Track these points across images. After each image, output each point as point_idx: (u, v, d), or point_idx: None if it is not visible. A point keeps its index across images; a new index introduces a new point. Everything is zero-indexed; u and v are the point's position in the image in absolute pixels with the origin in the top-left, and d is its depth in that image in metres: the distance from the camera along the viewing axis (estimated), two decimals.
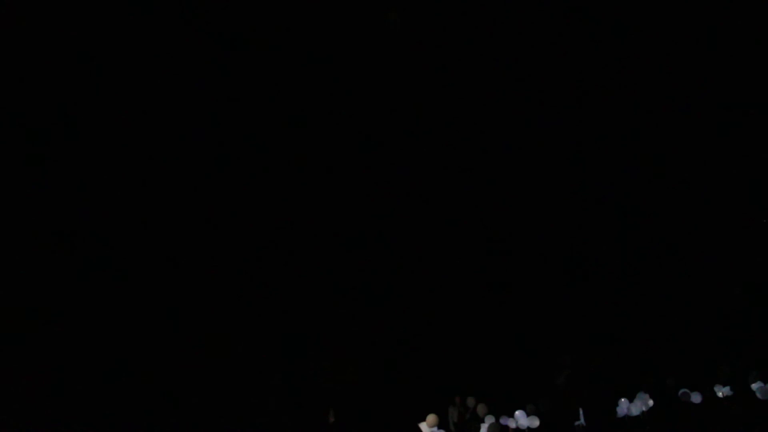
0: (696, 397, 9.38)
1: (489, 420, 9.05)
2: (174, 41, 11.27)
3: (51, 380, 10.76)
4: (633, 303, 12.08)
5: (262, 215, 12.51)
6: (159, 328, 11.60)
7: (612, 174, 12.81)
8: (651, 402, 9.35)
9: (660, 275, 12.32)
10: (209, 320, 12.00)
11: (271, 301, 12.41)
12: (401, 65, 12.29)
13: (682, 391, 9.39)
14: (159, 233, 11.99)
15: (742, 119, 12.16)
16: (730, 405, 9.18)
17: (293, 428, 11.16)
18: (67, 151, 11.40)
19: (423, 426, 8.67)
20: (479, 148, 12.90)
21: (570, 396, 9.50)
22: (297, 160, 12.61)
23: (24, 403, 10.40)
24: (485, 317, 12.25)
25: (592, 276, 12.38)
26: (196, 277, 12.11)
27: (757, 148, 12.16)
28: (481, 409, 9.31)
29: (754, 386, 9.07)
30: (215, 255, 12.30)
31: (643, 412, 9.28)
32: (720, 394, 9.39)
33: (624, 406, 9.31)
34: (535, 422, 9.25)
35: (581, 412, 9.19)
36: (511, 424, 9.24)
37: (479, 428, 9.02)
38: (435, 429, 8.67)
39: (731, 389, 9.34)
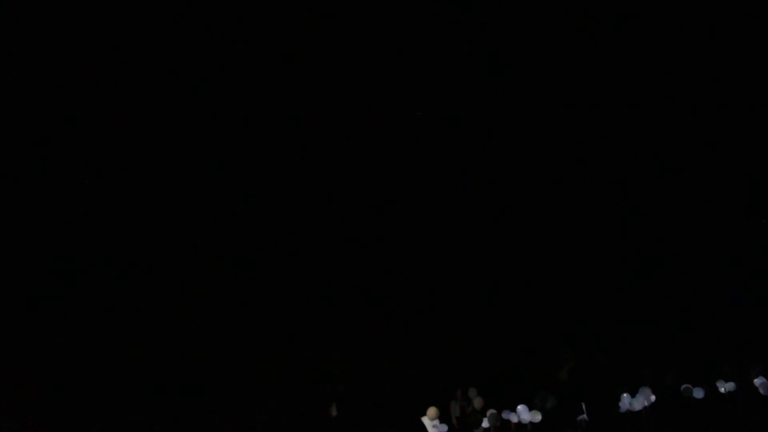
0: (698, 393, 9.37)
1: (490, 412, 9.03)
2: (174, 41, 11.33)
3: (51, 380, 10.73)
4: (635, 297, 12.07)
5: (263, 215, 12.52)
6: (159, 328, 11.58)
7: (611, 169, 12.84)
8: (653, 397, 9.34)
9: (662, 269, 12.33)
10: (209, 320, 11.98)
11: (271, 301, 12.40)
12: (401, 65, 12.34)
13: (684, 386, 9.38)
14: (159, 233, 12.00)
15: (742, 119, 12.19)
16: (732, 400, 9.17)
17: (293, 428, 11.11)
18: (67, 150, 11.43)
19: (425, 420, 8.67)
20: (478, 147, 12.93)
21: (572, 391, 9.47)
22: (297, 160, 12.64)
23: (24, 403, 10.36)
24: (487, 311, 12.24)
25: (593, 270, 12.37)
26: (196, 276, 12.10)
27: (758, 148, 12.19)
28: (478, 402, 9.29)
29: (757, 382, 9.07)
30: (215, 255, 12.30)
31: (645, 407, 9.26)
32: (722, 390, 9.38)
33: (626, 401, 9.29)
34: (538, 417, 9.24)
35: (583, 406, 9.16)
36: (514, 419, 9.22)
37: (482, 421, 9.01)
38: (436, 422, 8.67)
39: (734, 385, 9.33)
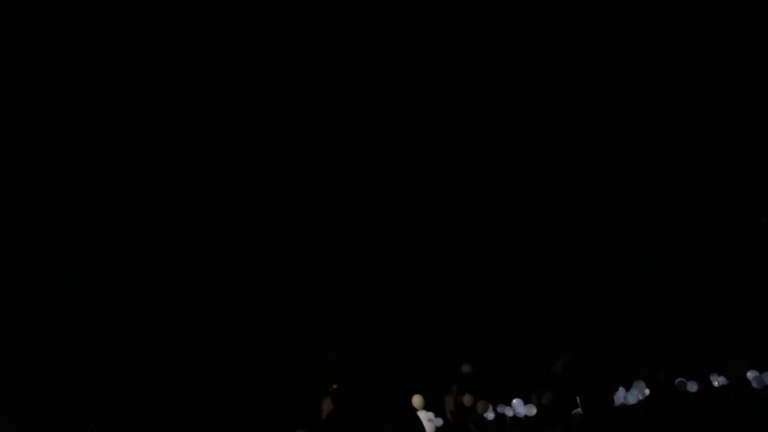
0: (692, 386, 9.43)
1: (481, 402, 9.05)
2: (174, 41, 11.40)
3: (50, 380, 10.77)
4: (630, 292, 12.11)
5: (263, 215, 12.58)
6: (159, 328, 11.62)
7: (611, 165, 12.87)
8: (647, 391, 9.39)
9: (656, 265, 12.38)
10: (209, 320, 12.02)
11: (271, 301, 12.44)
12: (401, 65, 12.40)
13: (678, 380, 9.44)
14: (159, 233, 12.06)
15: (743, 119, 12.20)
16: (725, 394, 9.22)
17: (293, 428, 11.14)
18: (67, 150, 11.49)
19: (420, 414, 8.70)
20: (477, 147, 12.98)
21: (567, 384, 9.51)
22: (297, 160, 12.69)
23: (24, 403, 10.41)
24: (483, 307, 12.28)
25: (587, 266, 12.42)
26: (195, 276, 12.15)
27: (758, 148, 12.20)
28: (467, 399, 9.31)
29: (749, 375, 9.13)
30: (215, 255, 12.35)
31: (639, 401, 9.31)
32: (715, 384, 9.44)
33: (621, 395, 9.35)
34: (533, 411, 9.30)
35: (578, 400, 9.21)
36: (509, 413, 9.28)
37: (476, 415, 9.05)
38: (431, 416, 8.72)
39: (726, 378, 9.39)
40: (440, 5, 12.01)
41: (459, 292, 12.37)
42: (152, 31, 11.08)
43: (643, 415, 9.22)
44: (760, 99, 11.97)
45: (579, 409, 9.17)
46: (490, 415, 9.29)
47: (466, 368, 9.12)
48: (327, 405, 9.22)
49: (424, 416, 8.56)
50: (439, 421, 9.01)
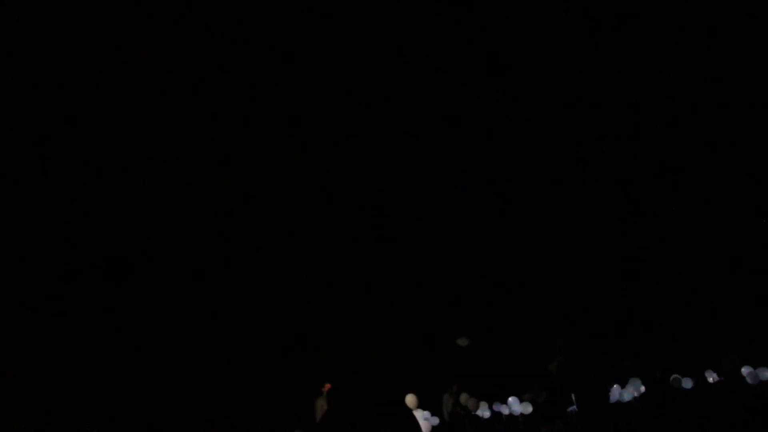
0: (687, 383, 9.47)
1: (472, 400, 9.09)
2: (174, 41, 11.43)
3: (50, 380, 10.80)
4: (626, 290, 12.15)
5: (263, 215, 12.61)
6: (159, 328, 11.66)
7: (607, 164, 12.89)
8: (643, 388, 9.42)
9: (651, 263, 12.41)
10: (209, 320, 12.05)
11: (271, 301, 12.48)
12: (401, 65, 12.41)
13: (673, 377, 9.48)
14: (158, 233, 12.10)
15: (743, 119, 12.21)
16: (720, 390, 9.26)
17: (293, 427, 11.16)
18: (68, 150, 11.52)
19: (417, 414, 8.73)
20: (477, 147, 13.00)
21: (563, 382, 9.52)
22: (297, 160, 12.71)
23: (23, 403, 10.44)
24: (479, 305, 12.31)
25: (584, 265, 12.45)
26: (195, 276, 12.19)
27: (758, 148, 12.22)
28: (464, 397, 9.36)
29: (744, 371, 9.18)
30: (215, 255, 12.39)
31: (635, 398, 9.33)
32: (710, 380, 9.48)
33: (616, 392, 9.37)
34: (529, 409, 9.33)
35: (573, 397, 9.21)
36: (505, 411, 9.32)
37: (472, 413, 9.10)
38: (428, 414, 8.75)
39: (720, 374, 9.43)
40: (440, 5, 12.02)
41: (456, 292, 12.41)
42: (152, 31, 11.08)
43: (639, 412, 9.24)
44: (760, 99, 11.97)
45: (575, 407, 9.17)
46: (486, 413, 9.31)
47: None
48: (321, 405, 9.27)
49: (420, 415, 8.60)
50: (435, 420, 9.03)
